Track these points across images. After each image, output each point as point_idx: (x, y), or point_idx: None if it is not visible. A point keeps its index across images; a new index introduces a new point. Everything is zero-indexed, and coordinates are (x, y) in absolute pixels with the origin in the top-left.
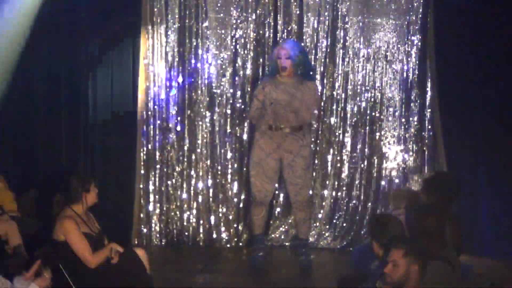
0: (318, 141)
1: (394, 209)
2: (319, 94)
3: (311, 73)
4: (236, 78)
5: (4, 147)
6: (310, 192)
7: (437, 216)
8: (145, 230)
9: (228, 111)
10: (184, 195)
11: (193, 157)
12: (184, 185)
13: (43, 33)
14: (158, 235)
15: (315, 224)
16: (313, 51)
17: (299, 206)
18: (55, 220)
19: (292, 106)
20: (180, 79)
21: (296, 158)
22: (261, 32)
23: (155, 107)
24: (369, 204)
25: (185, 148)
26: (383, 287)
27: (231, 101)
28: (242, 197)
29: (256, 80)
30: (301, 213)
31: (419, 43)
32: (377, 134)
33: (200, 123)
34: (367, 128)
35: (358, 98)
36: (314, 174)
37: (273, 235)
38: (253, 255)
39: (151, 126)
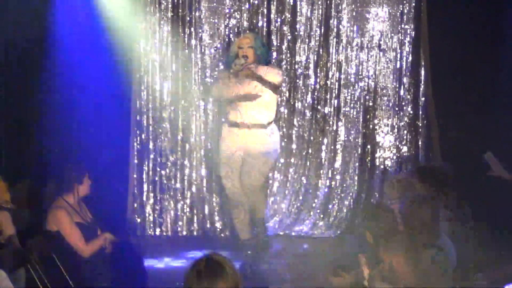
0: (312, 131)
1: (389, 198)
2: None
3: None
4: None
5: None
6: (262, 178)
7: (431, 205)
8: (139, 220)
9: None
10: (178, 185)
11: (187, 146)
12: (178, 175)
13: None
14: (152, 225)
15: (309, 214)
16: (307, 40)
17: (248, 192)
18: (48, 211)
19: (257, 99)
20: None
21: (257, 151)
22: (254, 21)
23: (149, 96)
24: (363, 193)
25: (179, 137)
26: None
27: None
28: None
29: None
30: (253, 196)
31: (413, 32)
32: (371, 123)
33: (194, 112)
34: (361, 117)
35: (351, 87)
36: (307, 162)
37: (266, 224)
38: (242, 261)
39: (145, 116)
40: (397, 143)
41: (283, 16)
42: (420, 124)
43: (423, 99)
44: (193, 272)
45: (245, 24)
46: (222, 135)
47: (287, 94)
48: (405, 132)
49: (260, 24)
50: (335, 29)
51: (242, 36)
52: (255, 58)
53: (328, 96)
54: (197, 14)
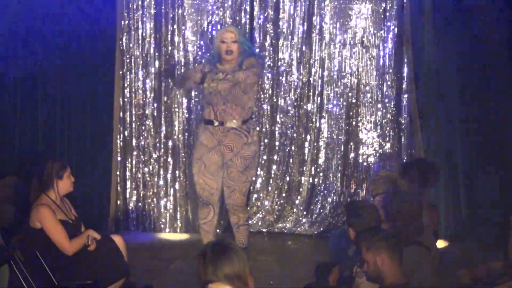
0: (295, 128)
1: (373, 195)
2: (263, 69)
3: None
4: None
5: None
6: (243, 197)
7: (415, 201)
8: (122, 217)
9: None
10: (161, 182)
11: (170, 143)
12: (161, 172)
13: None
14: (135, 222)
15: (292, 210)
16: (289, 37)
17: (231, 209)
18: (31, 208)
19: (233, 96)
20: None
21: (235, 158)
22: (237, 18)
23: (132, 93)
24: (346, 190)
25: (162, 134)
26: (360, 272)
27: None
28: None
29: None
30: (233, 217)
31: (395, 29)
32: (354, 120)
33: (177, 109)
34: (344, 114)
35: (334, 84)
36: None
37: (250, 222)
38: None
39: (128, 113)
40: (380, 140)
41: (266, 13)
42: (403, 121)
43: (406, 95)
44: (199, 256)
45: (228, 21)
46: (198, 132)
47: (270, 91)
48: (388, 128)
49: (243, 21)
50: (318, 26)
51: (224, 30)
52: (239, 53)
53: (311, 93)
54: (180, 11)
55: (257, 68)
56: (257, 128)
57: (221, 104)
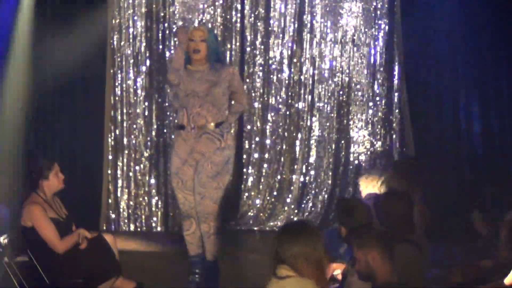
0: (286, 126)
1: (365, 193)
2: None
3: (222, 60)
4: None
5: None
6: (215, 205)
7: (406, 200)
8: (113, 216)
9: None
10: (152, 181)
11: (161, 142)
12: (153, 171)
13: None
14: (126, 221)
15: (284, 209)
16: (281, 35)
17: (201, 217)
18: (23, 206)
19: (213, 97)
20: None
21: (205, 163)
22: (228, 16)
23: (123, 92)
24: (337, 188)
25: (153, 133)
26: (352, 271)
27: None
28: None
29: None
30: (203, 225)
31: (386, 27)
32: (345, 118)
33: (168, 108)
34: (335, 112)
35: (325, 83)
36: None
37: (241, 220)
38: (189, 279)
39: (119, 111)
40: (371, 138)
41: (257, 12)
42: (394, 119)
43: (396, 94)
44: (274, 237)
45: (219, 19)
46: (173, 141)
47: (261, 90)
48: (379, 127)
49: (233, 19)
50: (308, 25)
51: (195, 28)
52: (207, 53)
53: (302, 92)
54: (171, 9)
55: (241, 83)
56: (232, 131)
57: (196, 106)
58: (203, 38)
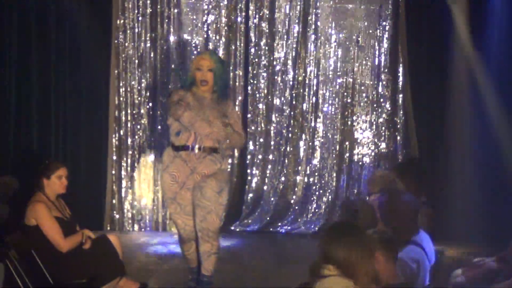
0: (290, 127)
1: (369, 194)
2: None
3: (227, 91)
4: None
5: None
6: (220, 222)
7: (411, 201)
8: (117, 216)
9: None
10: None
11: (165, 143)
12: (156, 171)
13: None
14: (130, 221)
15: (287, 210)
16: (285, 37)
17: (204, 236)
18: (27, 205)
19: (214, 123)
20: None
21: (209, 179)
22: (232, 17)
23: (127, 93)
24: (341, 189)
25: (157, 133)
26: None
27: None
28: None
29: (227, 65)
30: (206, 245)
31: (391, 29)
32: (349, 119)
33: None
34: (339, 113)
35: (329, 84)
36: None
37: (245, 221)
38: (186, 282)
39: (123, 112)
40: (375, 140)
41: (261, 13)
42: (398, 121)
43: (401, 95)
44: (320, 233)
45: (224, 20)
46: (164, 162)
47: (265, 91)
48: (383, 128)
49: (238, 20)
50: (313, 26)
51: (200, 56)
52: (214, 81)
53: (306, 93)
54: (175, 10)
55: (239, 118)
56: (229, 160)
57: (206, 129)
58: (210, 67)
